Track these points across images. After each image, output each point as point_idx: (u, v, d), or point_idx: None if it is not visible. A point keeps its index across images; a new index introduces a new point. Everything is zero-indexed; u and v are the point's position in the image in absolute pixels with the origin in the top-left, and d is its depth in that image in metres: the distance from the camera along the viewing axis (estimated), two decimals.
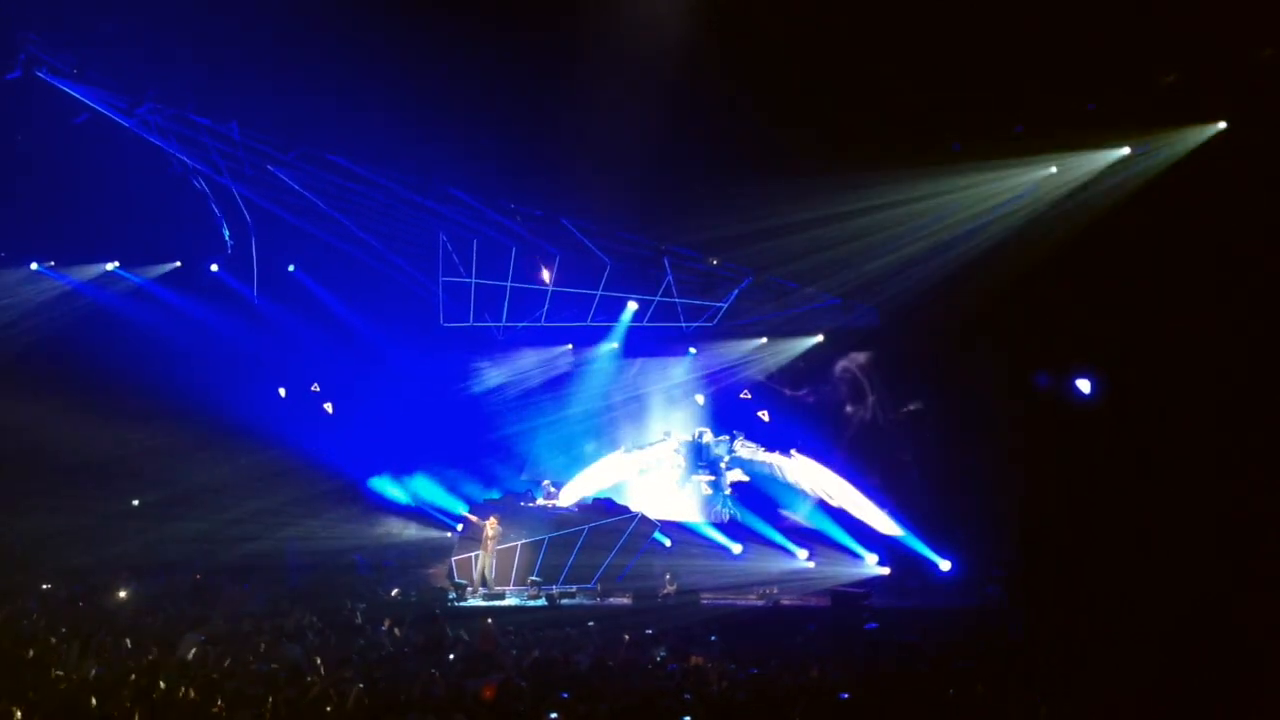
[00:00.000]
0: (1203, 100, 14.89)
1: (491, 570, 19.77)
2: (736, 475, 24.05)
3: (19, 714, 8.63)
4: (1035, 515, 17.96)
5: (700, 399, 25.00)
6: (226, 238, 20.39)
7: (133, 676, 10.27)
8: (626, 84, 15.02)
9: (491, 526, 19.92)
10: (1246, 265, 15.02)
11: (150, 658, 11.33)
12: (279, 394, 24.56)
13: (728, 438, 24.38)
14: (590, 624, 16.38)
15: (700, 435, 24.51)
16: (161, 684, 9.86)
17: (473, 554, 20.05)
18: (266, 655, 11.98)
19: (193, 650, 12.13)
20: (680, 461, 24.42)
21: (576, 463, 24.53)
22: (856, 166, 16.39)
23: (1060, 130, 15.77)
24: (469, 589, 19.42)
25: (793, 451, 23.87)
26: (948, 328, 19.88)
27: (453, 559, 20.28)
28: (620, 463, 24.59)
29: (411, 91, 15.82)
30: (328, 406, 24.96)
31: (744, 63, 14.64)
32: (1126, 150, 16.18)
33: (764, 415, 24.77)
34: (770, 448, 24.10)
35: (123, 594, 17.68)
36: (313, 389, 24.97)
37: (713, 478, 24.13)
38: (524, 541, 20.11)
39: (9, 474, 21.01)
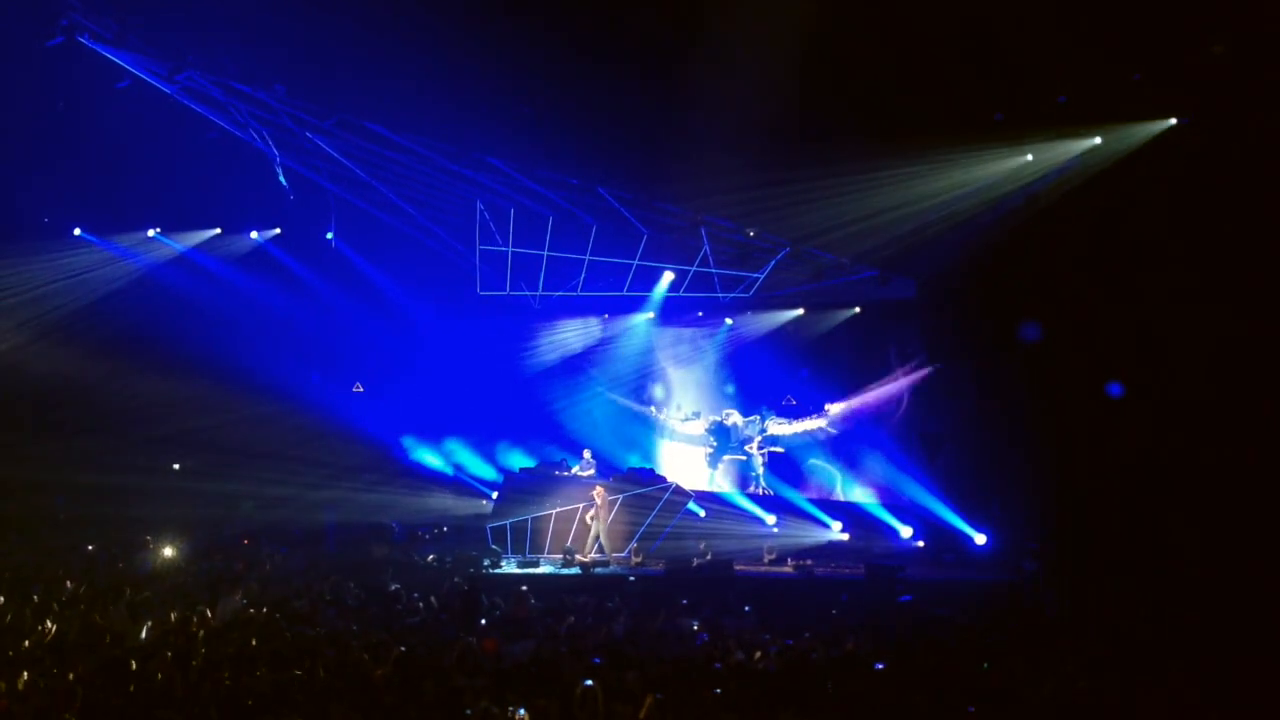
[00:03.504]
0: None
1: (604, 537, 19.79)
2: (771, 449, 24.06)
3: (70, 676, 8.79)
4: (1073, 490, 17.75)
5: (730, 389, 25.08)
6: (286, 187, 20.22)
7: (173, 639, 10.45)
8: (665, 51, 14.85)
9: (600, 496, 20.01)
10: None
11: (191, 620, 11.51)
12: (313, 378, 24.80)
13: (758, 417, 24.33)
14: (628, 584, 16.47)
15: (728, 417, 24.52)
16: (201, 647, 10.02)
17: (584, 523, 20.00)
18: (304, 620, 12.12)
19: (231, 613, 12.32)
20: (711, 440, 24.43)
21: (611, 433, 24.59)
22: (896, 135, 16.20)
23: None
24: (505, 556, 19.54)
25: (826, 406, 23.82)
26: (985, 300, 19.72)
27: (488, 525, 20.38)
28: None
29: (450, 59, 15.74)
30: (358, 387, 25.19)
31: (783, 31, 14.40)
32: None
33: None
34: (802, 416, 24.05)
35: (165, 555, 17.97)
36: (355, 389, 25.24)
37: (744, 458, 24.15)
38: (559, 510, 20.18)
39: (56, 436, 21.42)
